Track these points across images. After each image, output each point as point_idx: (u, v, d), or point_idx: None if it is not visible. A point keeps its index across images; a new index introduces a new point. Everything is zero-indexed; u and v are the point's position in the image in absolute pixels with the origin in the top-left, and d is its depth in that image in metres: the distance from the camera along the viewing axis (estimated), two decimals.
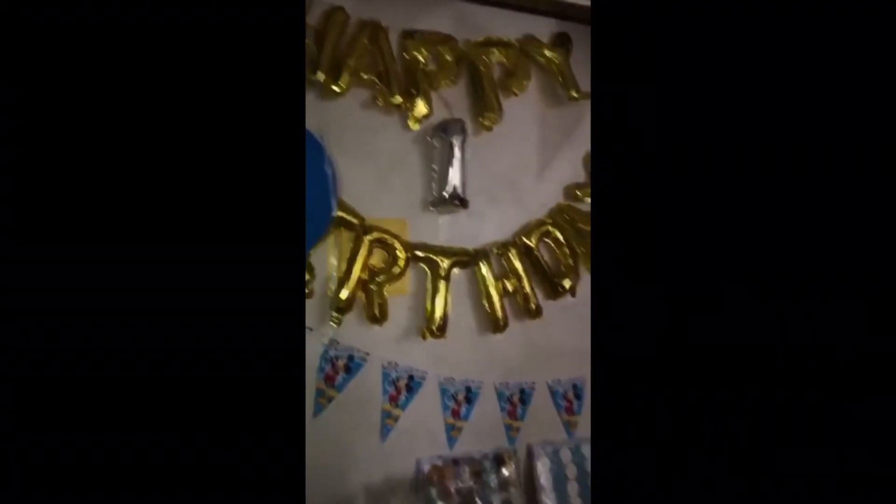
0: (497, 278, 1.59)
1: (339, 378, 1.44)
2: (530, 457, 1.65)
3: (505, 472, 1.58)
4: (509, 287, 1.61)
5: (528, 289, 1.62)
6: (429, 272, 1.53)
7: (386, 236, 1.47)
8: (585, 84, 1.66)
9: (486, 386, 1.63)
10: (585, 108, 1.70)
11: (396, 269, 1.47)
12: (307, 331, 1.37)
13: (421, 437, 1.54)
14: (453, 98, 1.59)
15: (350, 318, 1.44)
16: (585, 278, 1.70)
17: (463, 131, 1.53)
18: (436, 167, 1.54)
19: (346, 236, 1.45)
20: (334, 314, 1.41)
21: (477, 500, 1.51)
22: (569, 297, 1.67)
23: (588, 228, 1.69)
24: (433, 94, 1.53)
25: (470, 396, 1.60)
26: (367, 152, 1.50)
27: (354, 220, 1.45)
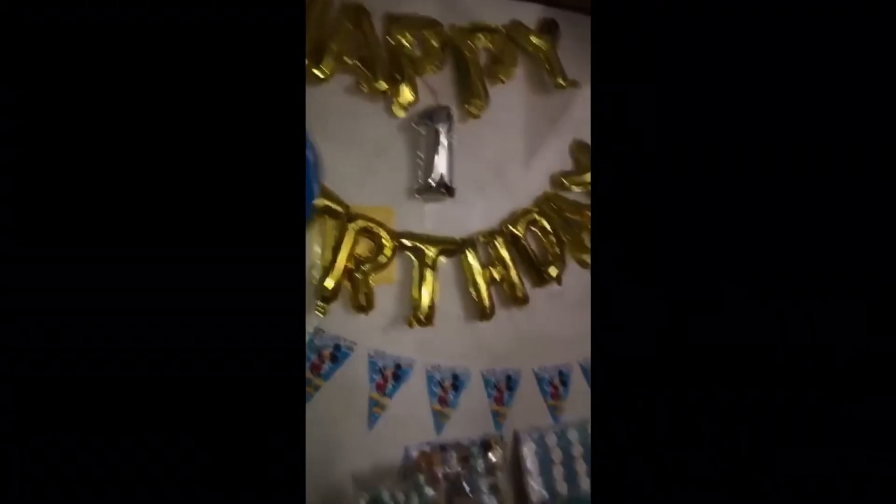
0: (483, 266, 1.60)
1: (326, 367, 1.44)
2: (517, 442, 1.67)
3: (492, 457, 1.59)
4: (496, 275, 1.61)
5: (514, 277, 1.63)
6: (415, 261, 1.53)
7: (372, 225, 1.46)
8: (572, 71, 1.66)
9: (473, 373, 1.64)
10: (572, 95, 1.71)
11: (383, 258, 1.47)
12: None
13: (408, 424, 1.54)
14: (439, 85, 1.57)
15: (336, 307, 1.44)
16: (571, 266, 1.71)
17: (449, 118, 1.52)
18: (421, 155, 1.53)
19: (330, 224, 1.44)
20: (319, 303, 1.40)
21: (464, 484, 1.53)
22: (555, 285, 1.68)
23: (574, 217, 1.70)
24: (418, 81, 1.51)
25: (457, 384, 1.61)
26: (351, 139, 1.49)
27: (339, 208, 1.44)
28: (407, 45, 1.51)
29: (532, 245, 1.67)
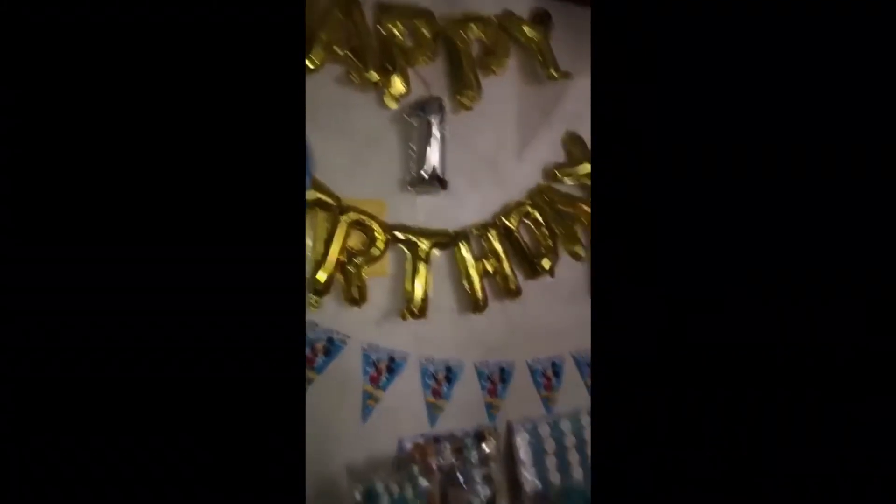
0: (477, 259, 1.61)
1: (319, 360, 1.43)
2: (510, 433, 1.68)
3: (486, 448, 1.60)
4: (489, 268, 1.61)
5: (507, 269, 1.63)
6: (408, 253, 1.52)
7: (364, 217, 1.45)
8: (565, 63, 1.65)
9: (467, 365, 1.64)
10: (565, 87, 1.70)
11: (375, 251, 1.46)
12: None
13: (402, 416, 1.55)
14: (431, 76, 1.56)
15: (328, 301, 1.43)
16: (564, 258, 1.72)
17: (441, 110, 1.51)
18: (413, 146, 1.52)
19: (321, 216, 1.42)
20: (312, 296, 1.40)
21: (458, 475, 1.54)
22: (547, 277, 1.69)
23: (567, 209, 1.70)
24: (410, 72, 1.50)
25: (450, 376, 1.61)
26: (342, 130, 1.47)
27: (330, 201, 1.43)
28: (398, 35, 1.49)
29: (525, 237, 1.67)
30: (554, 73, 1.64)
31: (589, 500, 1.52)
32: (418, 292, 1.51)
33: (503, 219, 1.64)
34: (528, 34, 1.63)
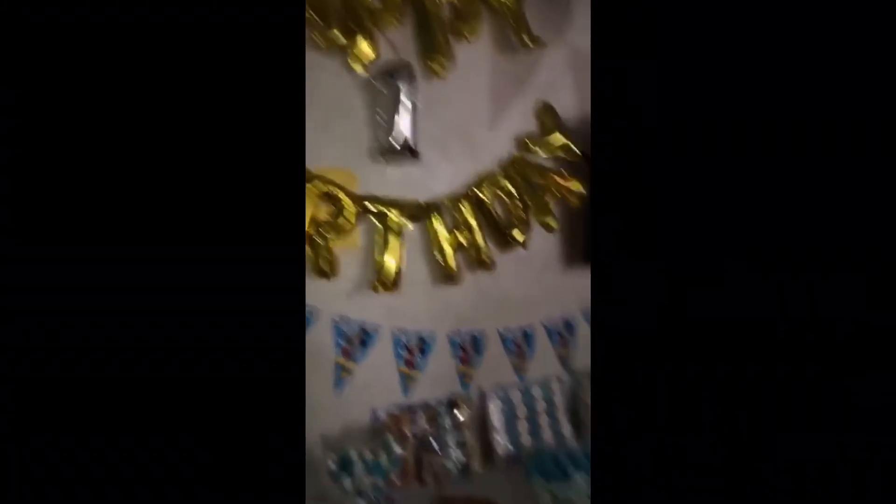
0: (449, 231, 1.60)
1: None
2: (483, 400, 1.72)
3: (459, 415, 1.64)
4: (462, 240, 1.61)
5: (480, 241, 1.63)
6: (379, 225, 1.51)
7: (332, 188, 1.44)
8: (538, 30, 1.61)
9: (439, 336, 1.66)
10: (538, 55, 1.68)
11: (345, 223, 1.45)
12: None
13: (376, 387, 1.57)
14: (399, 40, 1.50)
15: None
16: (537, 230, 1.72)
17: (411, 76, 1.48)
18: (383, 114, 1.48)
19: None
20: None
21: (433, 442, 1.57)
22: (520, 248, 1.69)
23: (540, 181, 1.69)
24: (378, 35, 1.44)
25: (424, 347, 1.63)
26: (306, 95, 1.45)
27: None
28: None
29: (497, 209, 1.66)
30: (527, 41, 1.60)
31: (556, 460, 1.58)
32: (390, 265, 1.51)
33: (476, 190, 1.63)
34: None
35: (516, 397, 1.74)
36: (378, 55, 1.45)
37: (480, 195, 1.63)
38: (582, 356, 1.89)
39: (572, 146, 1.69)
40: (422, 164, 1.55)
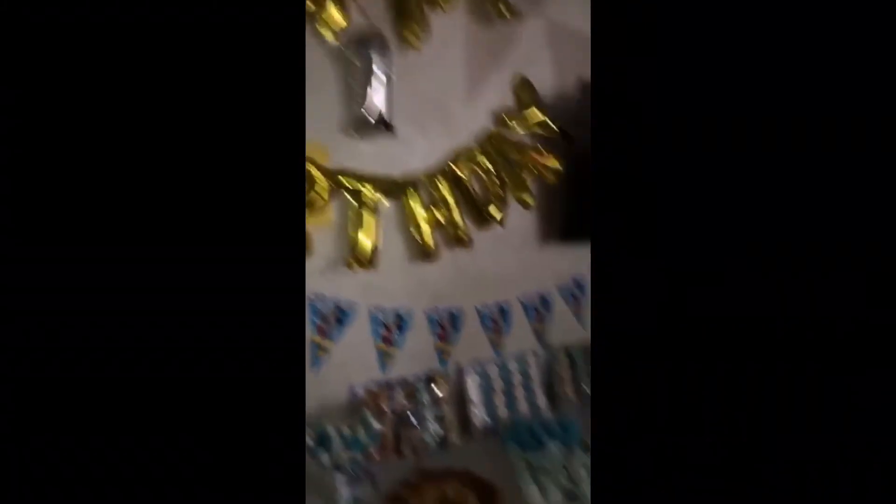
0: (426, 208, 1.59)
1: None
2: (460, 375, 1.74)
3: (437, 390, 1.66)
4: (439, 217, 1.59)
5: (457, 218, 1.62)
6: (354, 202, 1.49)
7: None
8: (516, 1, 1.59)
9: (417, 313, 1.66)
10: (515, 27, 1.66)
11: (317, 199, 1.42)
12: None
13: (354, 365, 1.58)
14: (371, 8, 1.46)
15: None
16: (514, 207, 1.71)
17: (384, 46, 1.44)
18: (355, 86, 1.44)
19: None
20: None
21: (410, 416, 1.60)
22: (497, 226, 1.68)
23: (517, 157, 1.68)
24: (349, 1, 1.40)
25: (401, 324, 1.64)
26: None
27: None
28: None
29: (474, 185, 1.66)
30: (504, 11, 1.57)
31: (532, 430, 1.62)
32: (365, 242, 1.49)
33: (452, 166, 1.62)
34: None
35: (493, 372, 1.79)
36: (349, 22, 1.39)
37: (457, 171, 1.62)
38: (557, 331, 1.91)
39: (549, 122, 1.68)
40: (396, 138, 1.52)
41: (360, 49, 1.43)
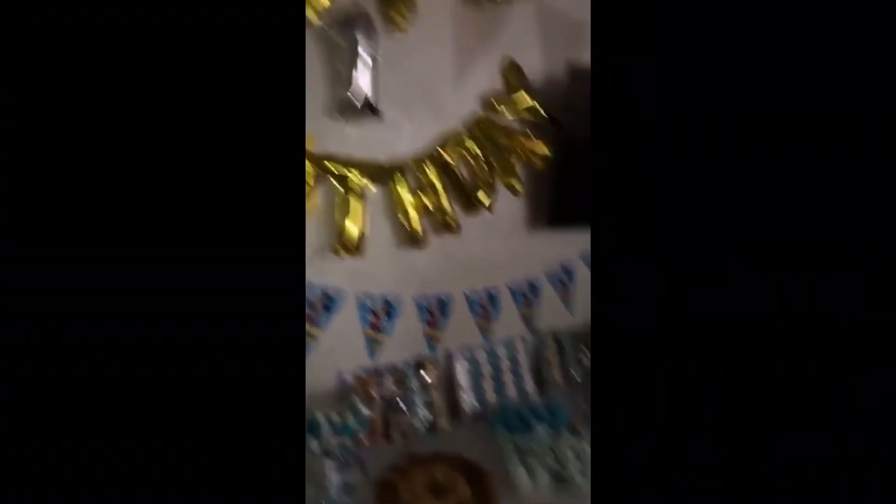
0: (413, 193, 1.57)
1: None
2: (449, 361, 1.75)
3: (426, 376, 1.67)
4: (427, 203, 1.58)
5: (445, 204, 1.61)
6: (340, 187, 1.47)
7: None
8: None
9: (405, 299, 1.66)
10: (504, 9, 1.63)
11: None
12: None
13: (342, 351, 1.57)
14: None
15: None
16: (503, 192, 1.71)
17: (370, 27, 1.40)
18: (341, 68, 1.41)
19: None
20: None
21: (400, 402, 1.60)
22: (485, 211, 1.68)
23: (506, 142, 1.66)
24: None
25: (390, 310, 1.63)
26: None
27: None
28: None
29: (462, 171, 1.65)
30: None
31: (520, 414, 1.63)
32: (352, 228, 1.47)
33: (440, 151, 1.60)
34: None
35: (482, 357, 1.81)
36: (333, 2, 1.36)
37: (445, 156, 1.60)
38: (545, 316, 1.92)
39: (538, 108, 1.66)
40: (383, 122, 1.49)
41: (344, 30, 1.39)
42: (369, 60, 1.40)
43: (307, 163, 1.40)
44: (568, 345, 1.93)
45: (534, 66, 1.70)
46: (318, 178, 1.43)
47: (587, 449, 1.49)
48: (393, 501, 1.34)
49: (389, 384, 1.61)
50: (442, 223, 1.62)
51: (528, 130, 1.69)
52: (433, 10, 1.53)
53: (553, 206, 1.77)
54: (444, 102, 1.62)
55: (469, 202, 1.65)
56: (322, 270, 1.50)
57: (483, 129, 1.65)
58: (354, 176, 1.47)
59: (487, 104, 1.67)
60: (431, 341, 1.72)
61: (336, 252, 1.48)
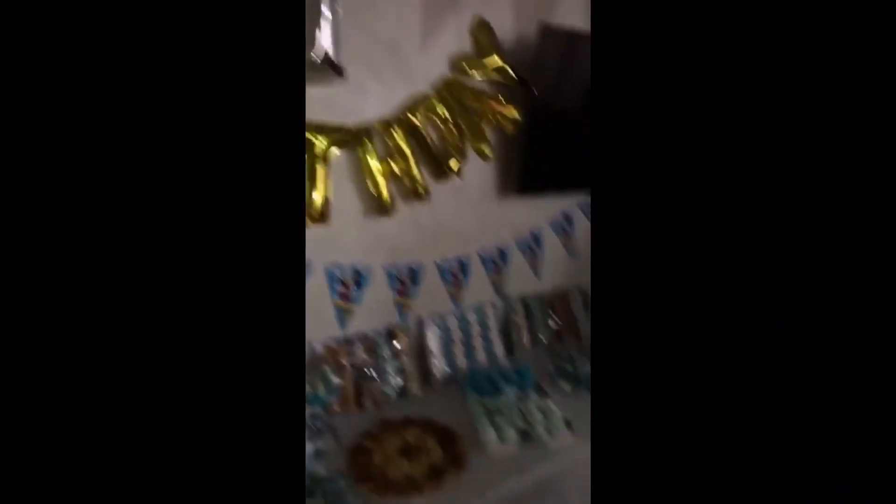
0: (381, 159, 1.54)
1: None
2: (420, 328, 1.77)
3: (397, 344, 1.69)
4: (395, 169, 1.55)
5: (414, 170, 1.57)
6: None
7: None
8: None
9: (375, 268, 1.65)
10: None
11: None
12: None
13: (311, 321, 1.51)
14: None
15: None
16: (472, 158, 1.69)
17: None
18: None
19: None
20: None
21: (371, 371, 1.62)
22: (455, 178, 1.66)
23: (476, 105, 1.62)
24: None
25: (359, 279, 1.62)
26: None
27: None
28: None
29: (431, 135, 1.61)
30: None
31: (489, 377, 1.67)
32: (317, 196, 1.43)
33: (409, 114, 1.55)
34: None
35: (453, 323, 1.86)
36: None
37: (414, 120, 1.56)
38: (514, 282, 1.93)
39: (508, 70, 1.62)
40: (348, 83, 1.41)
41: None
42: (328, 13, 1.27)
43: None
44: (536, 309, 1.98)
45: (504, 26, 1.66)
46: None
47: (552, 407, 1.53)
48: (366, 465, 1.35)
49: (360, 353, 1.61)
50: (411, 190, 1.59)
51: (498, 94, 1.65)
52: None
53: (523, 173, 1.75)
54: (413, 63, 1.57)
55: (439, 168, 1.62)
56: None
57: (453, 91, 1.61)
58: (319, 141, 1.41)
59: (457, 66, 1.63)
60: (402, 309, 1.73)
61: None
